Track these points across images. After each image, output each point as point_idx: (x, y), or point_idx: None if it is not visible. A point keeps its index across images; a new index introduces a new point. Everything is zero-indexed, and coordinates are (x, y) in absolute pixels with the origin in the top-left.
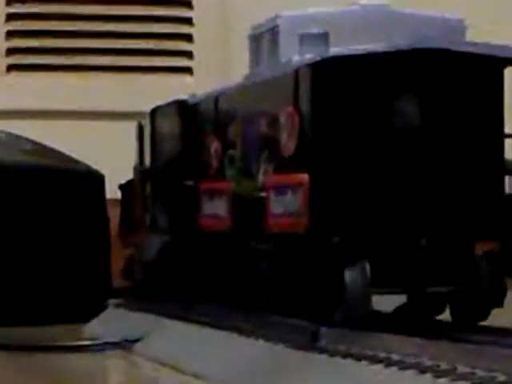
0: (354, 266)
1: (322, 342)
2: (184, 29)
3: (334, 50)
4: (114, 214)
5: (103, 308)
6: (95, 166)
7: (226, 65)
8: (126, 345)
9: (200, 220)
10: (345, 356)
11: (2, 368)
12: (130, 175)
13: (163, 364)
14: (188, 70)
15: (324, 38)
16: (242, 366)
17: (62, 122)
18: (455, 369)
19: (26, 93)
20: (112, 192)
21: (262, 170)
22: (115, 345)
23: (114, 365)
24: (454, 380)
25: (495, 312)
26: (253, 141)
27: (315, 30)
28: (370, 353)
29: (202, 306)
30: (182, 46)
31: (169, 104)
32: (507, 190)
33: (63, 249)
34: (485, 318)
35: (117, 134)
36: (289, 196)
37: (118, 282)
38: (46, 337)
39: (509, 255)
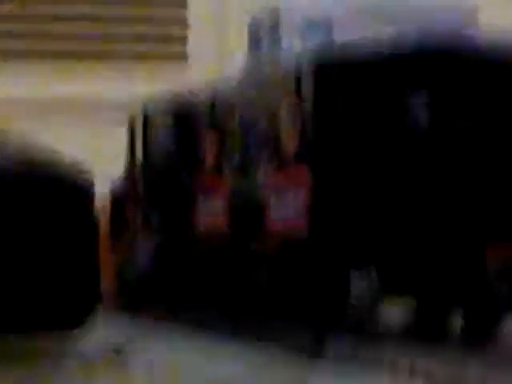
0: (359, 271)
1: (327, 348)
2: (179, 13)
3: (337, 45)
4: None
5: (93, 314)
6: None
7: (222, 51)
8: (118, 349)
9: (196, 220)
10: (350, 361)
11: None
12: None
13: (153, 370)
14: (183, 57)
15: (327, 23)
16: (241, 373)
17: (52, 110)
18: (463, 375)
19: (15, 81)
20: (104, 187)
21: (261, 170)
22: (105, 351)
23: (102, 370)
24: None
25: None
26: (252, 138)
27: (318, 16)
28: (376, 358)
29: (197, 311)
30: (177, 31)
31: (161, 98)
32: None
33: (52, 256)
34: (498, 324)
35: (109, 125)
36: (290, 197)
37: (109, 286)
38: (34, 344)
39: None
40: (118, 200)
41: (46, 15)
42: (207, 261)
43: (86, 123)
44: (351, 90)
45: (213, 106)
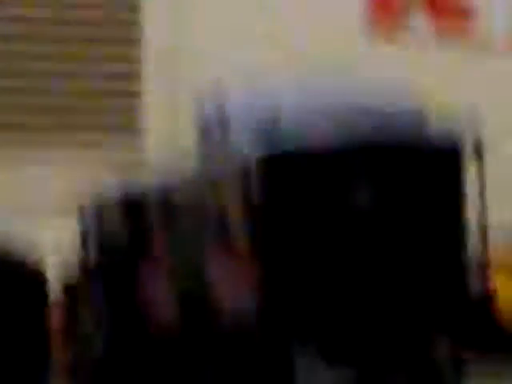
0: (303, 349)
1: None
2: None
3: (285, 145)
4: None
5: None
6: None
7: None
8: None
9: (145, 312)
10: None
11: None
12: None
13: None
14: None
15: (276, 124)
16: None
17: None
18: None
19: None
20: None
21: (210, 265)
22: None
23: None
24: None
25: None
26: (201, 236)
27: (267, 116)
28: None
29: None
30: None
31: (112, 196)
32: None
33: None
34: None
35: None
36: (238, 291)
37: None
38: None
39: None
40: (71, 292)
41: None
42: (158, 353)
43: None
44: (298, 183)
45: (163, 206)
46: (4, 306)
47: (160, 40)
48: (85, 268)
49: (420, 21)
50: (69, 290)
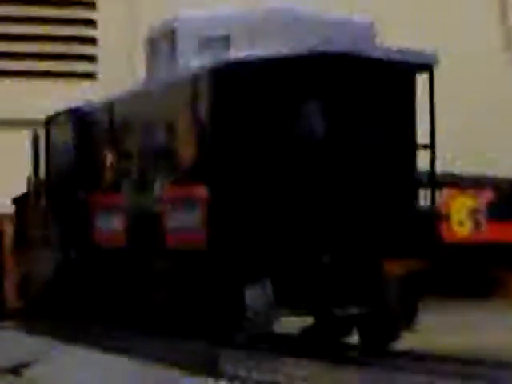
0: (254, 284)
1: (222, 367)
2: (88, 32)
3: (234, 55)
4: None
5: None
6: None
7: (132, 69)
8: (17, 369)
9: (95, 236)
10: (244, 381)
11: None
12: (23, 187)
13: None
14: (91, 76)
15: (225, 41)
16: None
17: None
18: None
19: None
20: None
21: (158, 183)
22: (5, 369)
23: None
24: None
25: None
26: (149, 151)
27: (215, 33)
28: (271, 378)
29: (99, 329)
30: (86, 49)
31: (63, 112)
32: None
33: None
34: (394, 340)
35: (11, 142)
36: (186, 211)
37: (11, 302)
38: None
39: (430, 274)
40: (22, 213)
41: None
42: (107, 278)
43: None
44: (248, 99)
45: (111, 121)
46: None
47: None
48: (35, 185)
49: None
50: (19, 205)
